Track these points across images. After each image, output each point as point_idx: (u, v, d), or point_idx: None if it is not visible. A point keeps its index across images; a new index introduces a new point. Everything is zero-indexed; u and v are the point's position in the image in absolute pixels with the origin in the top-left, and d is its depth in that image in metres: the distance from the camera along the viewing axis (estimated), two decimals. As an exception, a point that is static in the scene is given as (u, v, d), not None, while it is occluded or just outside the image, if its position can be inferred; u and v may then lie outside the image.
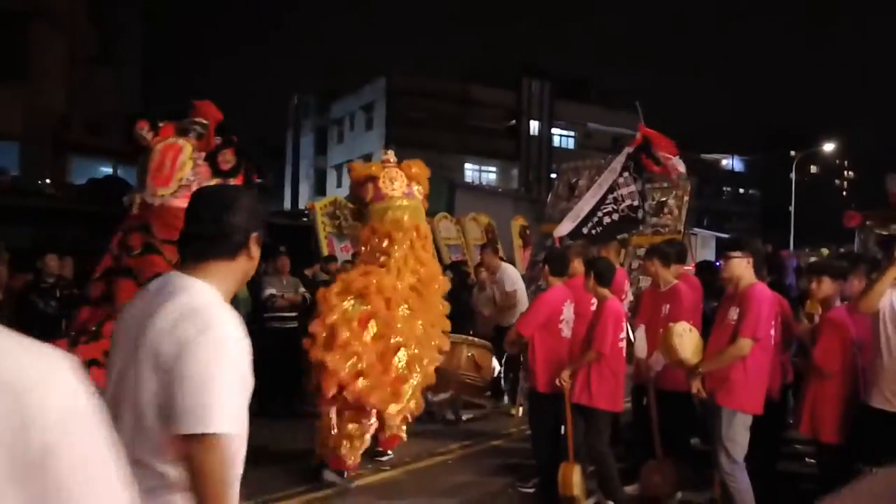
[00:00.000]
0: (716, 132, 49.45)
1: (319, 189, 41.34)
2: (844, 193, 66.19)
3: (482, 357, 7.40)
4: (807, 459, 5.86)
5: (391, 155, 6.08)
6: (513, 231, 14.81)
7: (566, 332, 5.31)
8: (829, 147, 38.66)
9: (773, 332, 4.43)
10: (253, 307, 7.91)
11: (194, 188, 3.96)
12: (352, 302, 5.25)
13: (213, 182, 4.65)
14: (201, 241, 1.84)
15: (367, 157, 36.66)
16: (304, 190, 42.96)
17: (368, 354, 5.15)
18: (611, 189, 7.88)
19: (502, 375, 8.20)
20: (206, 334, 1.62)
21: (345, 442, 5.30)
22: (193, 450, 1.58)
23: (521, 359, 6.64)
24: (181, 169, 4.55)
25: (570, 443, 5.04)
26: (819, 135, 39.24)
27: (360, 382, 5.09)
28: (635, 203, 7.78)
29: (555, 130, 42.76)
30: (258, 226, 1.90)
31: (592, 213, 7.81)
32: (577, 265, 5.74)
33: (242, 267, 1.89)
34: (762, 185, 58.41)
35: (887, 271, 4.05)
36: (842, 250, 10.02)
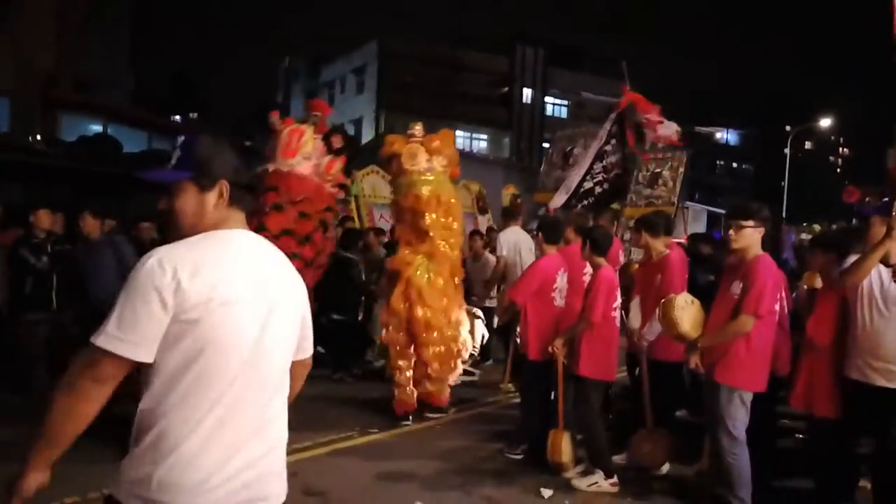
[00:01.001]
0: (710, 104, 49.09)
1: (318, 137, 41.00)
2: (838, 170, 66.32)
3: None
4: (797, 435, 5.94)
5: (419, 129, 6.28)
6: (503, 200, 14.77)
7: (559, 300, 5.33)
8: (824, 123, 38.57)
9: (777, 306, 4.30)
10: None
11: (314, 160, 5.74)
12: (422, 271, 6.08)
13: (327, 157, 5.88)
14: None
15: (358, 122, 36.46)
16: (295, 153, 42.70)
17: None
18: (598, 157, 7.74)
19: (487, 343, 8.22)
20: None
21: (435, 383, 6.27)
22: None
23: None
24: (304, 146, 5.71)
25: (561, 410, 5.08)
26: (815, 110, 39.13)
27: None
28: (620, 172, 7.69)
29: (548, 99, 42.52)
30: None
31: (581, 182, 7.69)
32: (570, 234, 5.73)
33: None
34: (756, 160, 58.40)
35: (876, 249, 3.99)
36: (834, 226, 10.05)
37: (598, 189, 7.73)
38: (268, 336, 1.84)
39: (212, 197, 1.90)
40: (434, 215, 6.07)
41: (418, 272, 6.06)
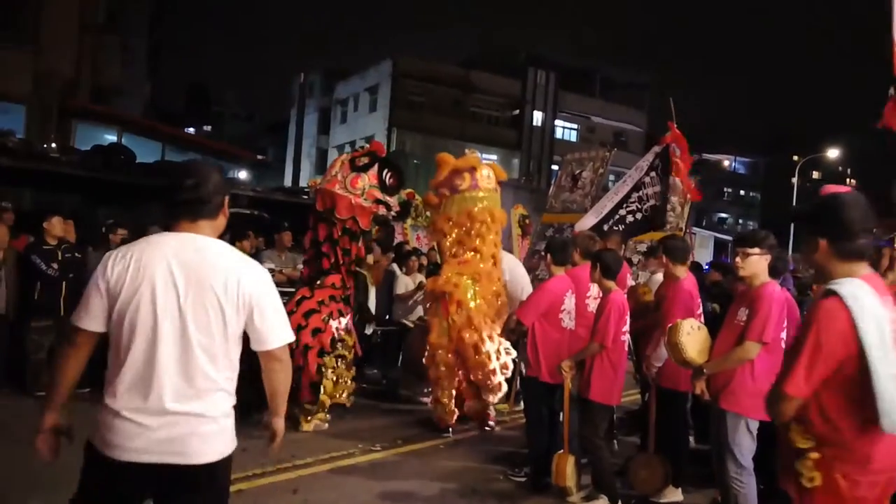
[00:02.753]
0: (719, 132, 49.50)
1: (321, 168, 41.27)
2: (845, 201, 66.11)
3: None
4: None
5: (475, 153, 6.89)
6: (512, 220, 14.78)
7: (567, 322, 5.32)
8: (832, 153, 38.61)
9: (783, 334, 4.28)
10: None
11: (339, 178, 6.45)
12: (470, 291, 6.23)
13: (351, 175, 6.46)
14: (191, 206, 2.44)
15: (370, 139, 36.59)
16: (306, 168, 42.89)
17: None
18: (636, 187, 7.85)
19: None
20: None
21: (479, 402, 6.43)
22: None
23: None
24: (333, 167, 6.65)
25: (567, 433, 5.06)
26: (823, 140, 39.20)
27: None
28: (658, 204, 7.76)
29: (558, 122, 42.70)
30: (226, 191, 2.56)
31: (616, 209, 7.79)
32: (577, 257, 5.73)
33: (219, 227, 2.54)
34: (763, 188, 58.42)
35: None
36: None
37: (629, 218, 7.81)
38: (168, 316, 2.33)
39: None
40: (489, 234, 6.44)
41: (468, 294, 6.22)
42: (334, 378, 6.40)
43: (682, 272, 5.15)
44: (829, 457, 2.30)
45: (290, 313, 5.93)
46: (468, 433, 6.72)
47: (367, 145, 6.90)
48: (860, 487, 2.28)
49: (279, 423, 2.72)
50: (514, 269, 7.34)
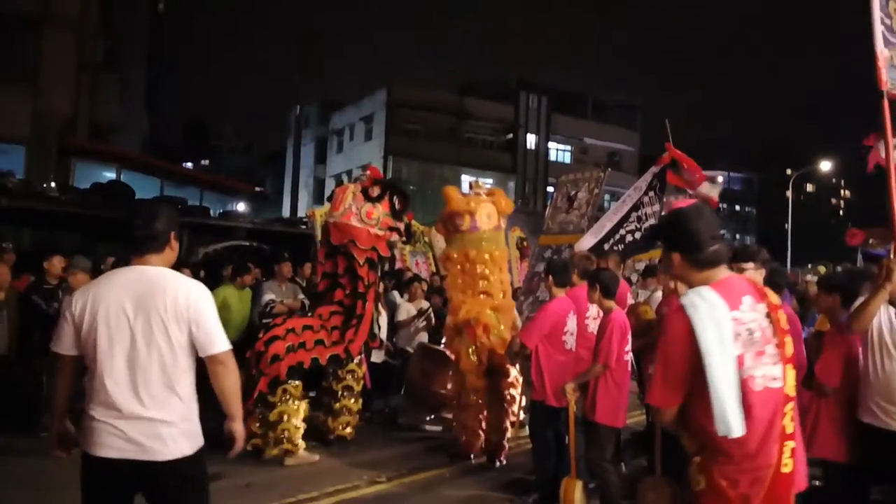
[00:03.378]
0: (712, 149, 49.53)
1: (318, 198, 41.41)
2: (841, 213, 66.37)
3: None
4: (815, 483, 5.86)
5: (481, 186, 7.06)
6: (510, 242, 14.83)
7: (570, 343, 5.31)
8: (825, 166, 38.80)
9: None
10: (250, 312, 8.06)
11: (354, 210, 6.52)
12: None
13: (365, 205, 6.58)
14: (142, 242, 2.89)
15: (366, 168, 36.70)
16: (304, 198, 42.98)
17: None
18: (635, 207, 7.92)
19: None
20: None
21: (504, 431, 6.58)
22: None
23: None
24: (345, 200, 6.59)
25: (573, 457, 5.03)
26: (816, 153, 39.41)
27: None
28: (658, 223, 7.80)
29: (551, 144, 42.97)
30: (176, 226, 2.97)
31: (615, 229, 7.86)
32: (575, 277, 5.74)
33: (169, 257, 2.96)
34: (758, 203, 58.63)
35: (878, 292, 3.96)
36: (839, 268, 10.06)
37: (629, 237, 7.88)
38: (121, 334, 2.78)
39: None
40: (493, 273, 6.70)
41: (494, 320, 6.53)
42: (295, 407, 6.23)
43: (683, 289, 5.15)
44: (708, 460, 2.39)
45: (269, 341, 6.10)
46: (473, 461, 6.67)
47: (367, 172, 6.98)
48: (740, 485, 2.34)
49: (235, 426, 3.00)
50: None
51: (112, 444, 2.73)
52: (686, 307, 2.33)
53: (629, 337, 4.98)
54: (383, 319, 8.22)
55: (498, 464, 6.55)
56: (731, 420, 2.23)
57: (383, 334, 8.16)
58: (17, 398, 6.82)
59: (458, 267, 6.74)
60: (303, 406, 6.33)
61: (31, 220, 11.49)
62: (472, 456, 6.64)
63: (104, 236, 12.18)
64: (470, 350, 6.50)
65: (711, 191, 8.04)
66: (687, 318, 2.31)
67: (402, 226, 6.87)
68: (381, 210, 6.67)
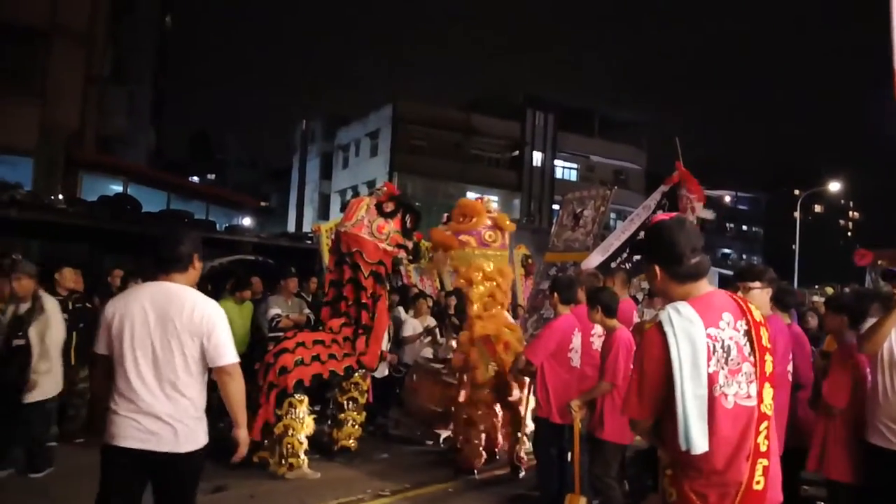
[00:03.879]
0: (719, 168, 49.52)
1: (323, 213, 41.55)
2: (849, 234, 66.24)
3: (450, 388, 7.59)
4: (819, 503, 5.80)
5: (489, 203, 7.17)
6: (515, 260, 14.84)
7: (575, 361, 5.31)
8: (834, 187, 38.75)
9: (790, 367, 4.26)
10: (255, 327, 8.06)
11: (366, 223, 6.63)
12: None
13: (378, 220, 6.69)
14: (169, 263, 3.33)
15: (372, 184, 36.89)
16: (309, 213, 43.14)
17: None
18: (643, 226, 7.91)
19: None
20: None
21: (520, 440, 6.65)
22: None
23: None
24: (358, 211, 6.71)
25: (577, 473, 5.00)
26: (824, 174, 39.40)
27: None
28: (640, 236, 7.80)
29: (557, 162, 43.00)
30: (198, 249, 3.41)
31: (623, 247, 7.85)
32: (581, 295, 5.74)
33: (192, 277, 3.39)
34: (766, 223, 58.59)
35: (891, 314, 3.95)
36: (846, 289, 10.02)
37: (636, 256, 7.87)
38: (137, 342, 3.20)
39: None
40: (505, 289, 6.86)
41: (514, 337, 6.62)
42: (300, 421, 6.22)
43: None
44: (679, 473, 2.41)
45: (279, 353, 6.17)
46: (477, 476, 6.65)
47: (384, 188, 7.06)
48: (709, 500, 2.35)
49: (240, 433, 3.39)
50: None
51: (132, 436, 3.14)
52: (662, 322, 2.35)
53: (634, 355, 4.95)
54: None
55: (522, 474, 6.53)
56: (694, 436, 2.25)
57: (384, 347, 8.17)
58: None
59: (487, 283, 6.72)
60: (308, 420, 6.31)
61: (39, 232, 11.56)
62: (474, 472, 6.61)
63: (111, 248, 12.24)
64: (489, 366, 6.50)
65: (705, 214, 8.10)
66: (662, 333, 2.33)
67: (410, 244, 6.92)
68: (392, 226, 6.75)
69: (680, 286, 2.46)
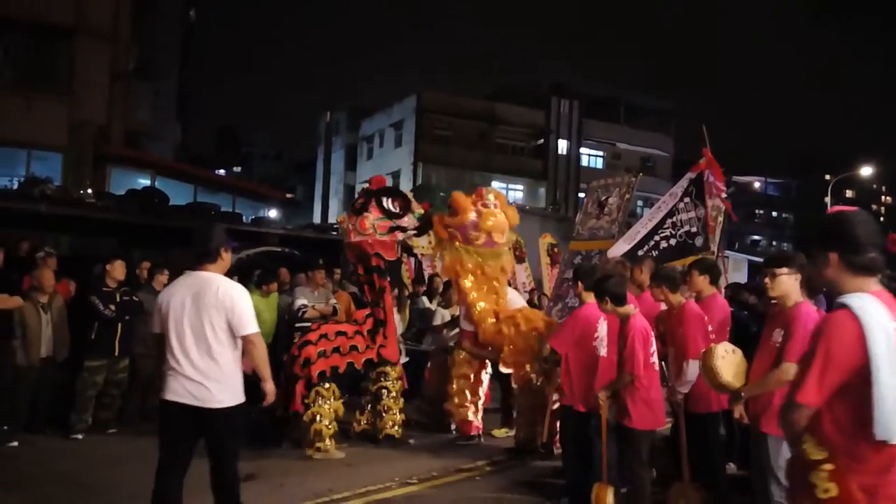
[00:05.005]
0: (748, 154, 48.95)
1: (348, 204, 41.66)
2: (881, 219, 65.04)
3: None
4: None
5: (493, 195, 7.14)
6: (540, 249, 14.78)
7: (601, 350, 5.24)
8: (866, 171, 37.97)
9: None
10: (279, 317, 8.14)
11: (351, 228, 6.91)
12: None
13: (357, 218, 6.89)
14: (200, 256, 4.05)
15: (396, 174, 37.01)
16: (334, 205, 43.36)
17: None
18: (670, 213, 7.84)
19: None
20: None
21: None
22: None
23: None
24: (347, 223, 7.07)
25: (604, 462, 4.98)
26: (856, 159, 38.61)
27: None
28: (693, 229, 7.73)
29: (583, 150, 42.68)
30: (226, 243, 4.11)
31: (649, 236, 7.79)
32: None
33: (222, 266, 4.10)
34: (796, 209, 57.71)
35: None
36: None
37: (663, 244, 7.80)
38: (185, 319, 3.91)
39: None
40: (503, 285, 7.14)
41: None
42: (327, 408, 6.48)
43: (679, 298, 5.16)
44: (844, 467, 2.32)
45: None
46: (503, 464, 6.66)
47: (365, 186, 7.31)
48: (878, 497, 2.28)
49: (268, 386, 4.15)
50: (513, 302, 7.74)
51: (176, 391, 3.88)
52: (855, 309, 2.30)
53: (653, 340, 4.90)
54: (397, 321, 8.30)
55: (556, 450, 6.59)
56: (893, 426, 2.22)
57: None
58: (56, 400, 6.97)
59: (472, 277, 6.97)
60: (335, 407, 6.55)
61: (69, 226, 11.74)
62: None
63: (140, 241, 12.39)
64: (508, 348, 6.79)
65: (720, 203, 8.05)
66: (856, 320, 2.28)
67: (405, 221, 6.98)
68: (372, 217, 6.90)
69: (854, 278, 2.42)
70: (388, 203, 6.95)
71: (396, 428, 7.06)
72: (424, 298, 9.26)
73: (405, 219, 6.98)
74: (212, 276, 4.00)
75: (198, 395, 3.86)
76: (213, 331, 3.88)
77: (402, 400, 7.18)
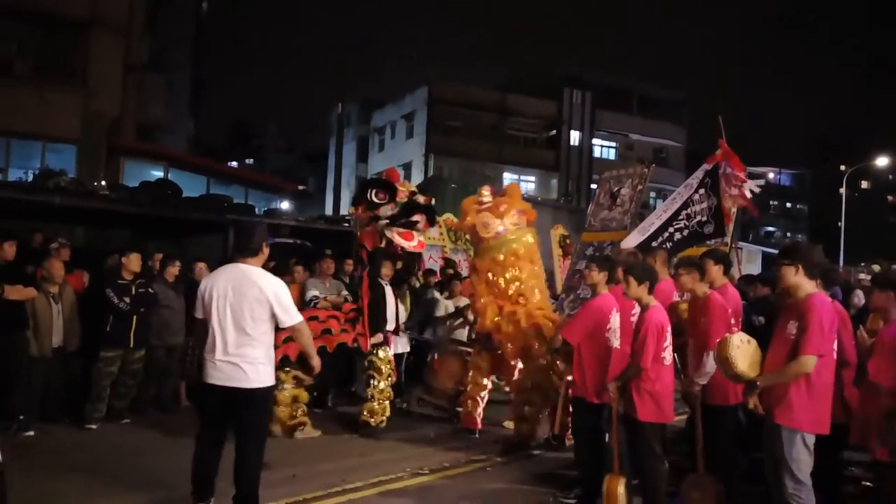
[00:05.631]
0: (762, 145, 48.54)
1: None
2: (898, 209, 64.28)
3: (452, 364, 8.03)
4: (864, 483, 5.70)
5: (486, 192, 7.16)
6: (552, 240, 14.70)
7: (614, 341, 5.23)
8: (881, 161, 37.51)
9: (835, 345, 4.15)
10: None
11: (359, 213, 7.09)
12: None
13: (357, 212, 7.14)
14: (242, 250, 4.50)
15: (408, 166, 37.01)
16: (346, 196, 43.37)
17: None
18: (685, 205, 7.81)
19: None
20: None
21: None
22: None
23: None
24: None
25: (616, 454, 4.97)
26: (871, 148, 38.18)
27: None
28: (703, 219, 7.70)
29: (596, 140, 42.49)
30: (266, 238, 4.56)
31: (664, 227, 7.76)
32: (620, 274, 5.64)
33: (261, 259, 4.52)
34: (810, 200, 57.23)
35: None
36: (894, 266, 9.73)
37: (677, 235, 7.78)
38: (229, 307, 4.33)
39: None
40: (516, 270, 6.88)
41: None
42: (286, 394, 6.69)
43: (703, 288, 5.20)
44: None
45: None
46: (515, 455, 6.67)
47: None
48: None
49: (314, 361, 4.76)
50: None
51: (214, 375, 4.32)
52: None
53: (668, 334, 4.86)
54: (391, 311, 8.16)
55: (568, 442, 6.64)
56: None
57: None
58: (69, 390, 7.03)
59: (483, 273, 6.98)
60: (294, 393, 6.76)
61: (83, 218, 11.80)
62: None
63: (153, 233, 12.45)
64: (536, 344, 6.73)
65: (746, 191, 8.02)
66: None
67: (381, 210, 6.94)
68: (361, 209, 7.08)
69: None
70: (371, 194, 7.01)
71: (374, 418, 7.00)
72: (435, 291, 9.27)
73: (382, 208, 6.94)
74: (251, 269, 4.43)
75: (234, 377, 4.27)
76: (252, 320, 4.29)
77: (389, 391, 7.15)
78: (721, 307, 4.99)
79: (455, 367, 7.96)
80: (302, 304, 8.11)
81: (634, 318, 5.35)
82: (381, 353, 7.11)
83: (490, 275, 6.92)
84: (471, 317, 8.63)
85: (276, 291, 4.35)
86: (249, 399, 4.30)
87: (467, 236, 13.58)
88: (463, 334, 8.60)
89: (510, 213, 6.93)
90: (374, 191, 7.02)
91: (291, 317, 4.41)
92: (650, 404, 4.78)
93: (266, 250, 4.53)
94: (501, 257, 6.83)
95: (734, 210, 9.68)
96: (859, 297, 9.06)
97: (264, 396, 4.42)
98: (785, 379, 4.05)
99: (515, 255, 6.88)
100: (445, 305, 8.88)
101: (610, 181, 10.82)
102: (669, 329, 4.88)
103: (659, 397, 4.80)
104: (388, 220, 6.95)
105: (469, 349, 8.06)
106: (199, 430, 4.50)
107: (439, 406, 8.06)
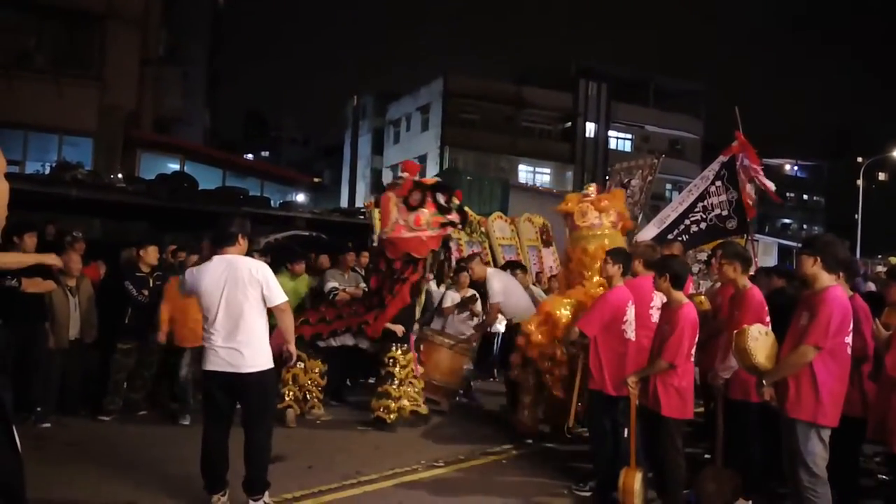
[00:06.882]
0: (778, 136, 48.10)
1: (376, 188, 41.77)
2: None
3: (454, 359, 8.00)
4: (880, 476, 5.65)
5: (593, 189, 7.01)
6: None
7: (630, 333, 5.20)
8: (899, 154, 37.06)
9: (848, 339, 4.09)
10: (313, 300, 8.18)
11: (401, 222, 6.92)
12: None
13: (411, 214, 6.91)
14: (222, 240, 4.63)
15: (423, 158, 36.97)
16: (361, 189, 43.45)
17: None
18: (701, 197, 7.78)
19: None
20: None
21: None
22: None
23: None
24: (391, 213, 7.00)
25: (633, 447, 4.93)
26: (888, 140, 37.74)
27: None
28: (724, 213, 7.64)
29: (611, 132, 42.29)
30: (245, 230, 4.71)
31: (680, 219, 7.73)
32: (638, 266, 5.60)
33: (240, 249, 4.66)
34: (827, 192, 56.66)
35: None
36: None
37: (693, 227, 7.74)
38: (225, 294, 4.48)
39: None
40: (596, 266, 6.60)
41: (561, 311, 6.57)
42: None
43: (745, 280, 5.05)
44: None
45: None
46: (530, 448, 6.66)
47: (404, 174, 7.22)
48: None
49: (291, 348, 4.76)
50: (507, 287, 7.95)
51: (214, 362, 4.46)
52: None
53: (697, 331, 4.82)
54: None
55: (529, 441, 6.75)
56: None
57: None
58: (86, 382, 7.08)
59: (571, 262, 6.88)
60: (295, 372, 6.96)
61: (100, 210, 11.88)
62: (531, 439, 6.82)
63: (170, 225, 12.52)
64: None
65: (767, 182, 7.97)
66: None
67: (454, 217, 6.99)
68: (427, 214, 6.90)
69: None
70: (442, 199, 6.96)
71: (390, 415, 6.93)
72: (432, 283, 9.22)
73: (453, 213, 6.99)
74: (235, 257, 4.58)
75: (233, 362, 4.41)
76: (248, 303, 4.46)
77: (404, 388, 7.06)
78: (759, 303, 4.92)
79: (442, 357, 7.91)
80: (321, 294, 8.14)
81: (653, 312, 5.31)
82: (403, 353, 7.07)
83: (580, 266, 6.78)
84: (477, 308, 8.63)
85: (264, 272, 4.54)
86: (251, 382, 4.44)
87: (482, 229, 13.64)
88: (469, 327, 8.56)
89: (610, 212, 6.78)
90: (445, 197, 6.97)
91: (277, 296, 4.57)
92: (676, 400, 4.75)
93: (244, 241, 4.66)
94: (591, 248, 6.65)
95: (650, 178, 9.56)
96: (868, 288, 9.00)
97: (265, 379, 4.53)
98: (786, 371, 4.04)
99: (605, 251, 6.80)
100: (452, 297, 8.84)
101: (621, 173, 10.78)
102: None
103: (684, 393, 4.78)
104: (460, 227, 7.20)
105: (452, 340, 8.07)
106: (203, 419, 4.65)
107: (430, 399, 8.00)
